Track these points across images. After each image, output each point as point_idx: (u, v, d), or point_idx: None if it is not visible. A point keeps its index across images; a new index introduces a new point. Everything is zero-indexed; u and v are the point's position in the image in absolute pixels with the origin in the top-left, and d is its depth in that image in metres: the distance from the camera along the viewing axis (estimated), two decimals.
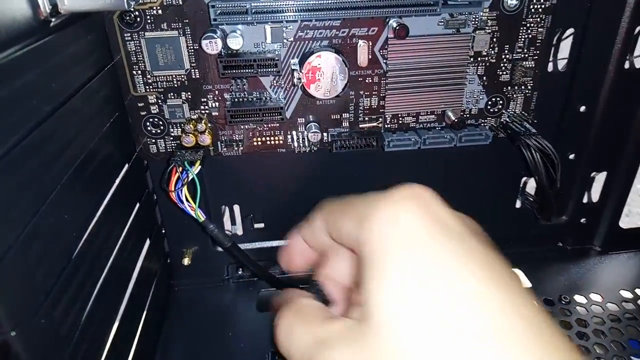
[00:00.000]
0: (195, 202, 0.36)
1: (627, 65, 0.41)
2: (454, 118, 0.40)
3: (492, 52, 0.39)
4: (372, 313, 0.19)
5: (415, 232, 0.20)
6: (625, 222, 0.49)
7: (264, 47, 0.36)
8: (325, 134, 0.40)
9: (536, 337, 0.17)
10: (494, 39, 0.38)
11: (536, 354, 0.17)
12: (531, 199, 0.47)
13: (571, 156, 0.45)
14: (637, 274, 0.47)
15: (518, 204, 0.48)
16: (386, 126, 0.40)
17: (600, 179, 0.47)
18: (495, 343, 0.17)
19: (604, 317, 0.41)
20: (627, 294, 0.44)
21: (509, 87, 0.40)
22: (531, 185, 0.46)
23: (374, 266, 0.20)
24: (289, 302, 0.26)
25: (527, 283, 0.45)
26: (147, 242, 0.40)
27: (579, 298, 0.44)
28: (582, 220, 0.49)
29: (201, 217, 0.37)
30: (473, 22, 0.37)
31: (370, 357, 0.18)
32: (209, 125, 0.38)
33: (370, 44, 0.37)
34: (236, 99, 0.38)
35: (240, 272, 0.47)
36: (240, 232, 0.46)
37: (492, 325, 0.17)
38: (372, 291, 0.19)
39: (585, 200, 0.48)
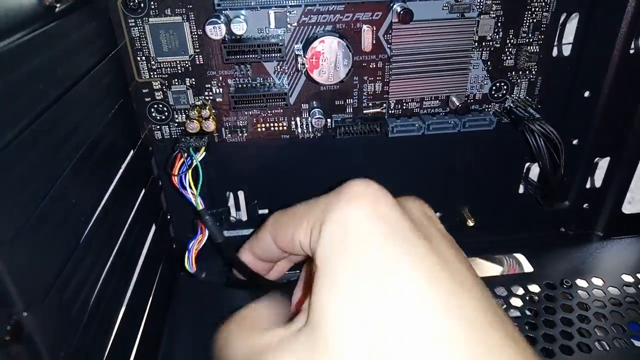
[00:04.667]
0: (197, 190, 0.36)
1: (632, 50, 0.41)
2: (458, 103, 0.40)
3: (497, 36, 0.38)
4: (317, 319, 0.19)
5: (361, 237, 0.20)
6: (627, 208, 0.49)
7: (267, 32, 0.36)
8: (329, 120, 0.40)
9: (472, 339, 0.17)
10: (499, 24, 0.38)
11: (467, 354, 0.17)
12: (534, 185, 0.47)
13: (575, 141, 0.45)
14: (639, 258, 0.48)
15: (521, 190, 0.48)
16: (390, 112, 0.40)
17: (603, 164, 0.47)
18: (430, 346, 0.17)
19: (605, 300, 0.42)
20: (628, 278, 0.44)
21: (514, 72, 0.40)
22: (534, 171, 0.46)
23: (323, 272, 0.20)
24: (238, 311, 0.26)
25: (529, 268, 0.46)
26: (153, 227, 0.40)
27: (580, 282, 0.44)
28: (585, 205, 0.49)
29: (200, 205, 0.36)
30: (478, 7, 0.37)
31: None
32: (214, 111, 0.39)
33: (375, 28, 0.37)
34: (240, 85, 0.38)
35: None
36: (244, 218, 0.46)
37: (428, 328, 0.17)
38: (320, 296, 0.19)
39: (588, 185, 0.48)
